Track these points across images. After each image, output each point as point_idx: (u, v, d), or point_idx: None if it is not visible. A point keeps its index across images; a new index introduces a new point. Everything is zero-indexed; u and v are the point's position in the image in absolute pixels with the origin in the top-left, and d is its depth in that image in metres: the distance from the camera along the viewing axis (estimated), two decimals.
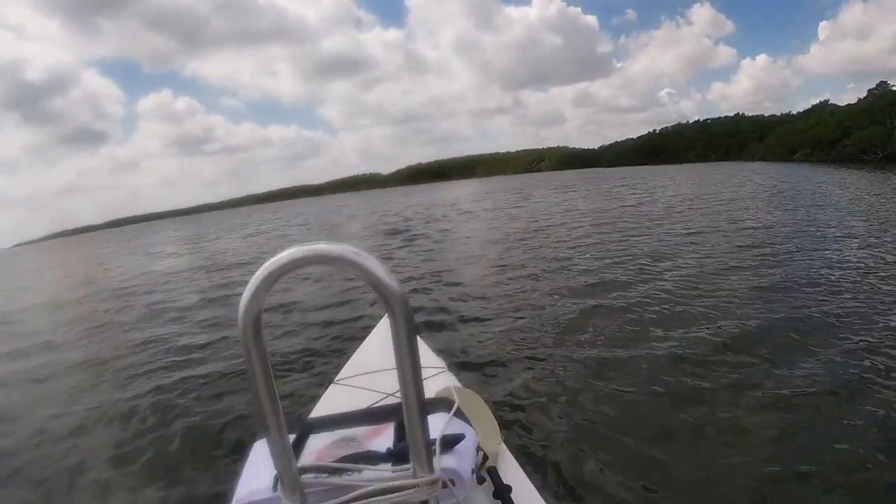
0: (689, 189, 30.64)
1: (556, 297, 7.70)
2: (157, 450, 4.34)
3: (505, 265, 10.80)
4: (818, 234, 11.27)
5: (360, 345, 3.48)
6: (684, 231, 12.93)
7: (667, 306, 6.63)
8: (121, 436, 4.74)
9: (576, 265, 9.95)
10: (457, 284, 9.45)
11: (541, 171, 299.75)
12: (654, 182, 41.25)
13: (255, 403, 1.05)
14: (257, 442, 1.48)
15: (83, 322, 10.50)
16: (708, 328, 5.68)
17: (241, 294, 0.99)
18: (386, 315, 2.44)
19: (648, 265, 9.33)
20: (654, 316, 6.30)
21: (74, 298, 14.17)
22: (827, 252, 9.19)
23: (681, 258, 9.61)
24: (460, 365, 4.96)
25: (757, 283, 7.34)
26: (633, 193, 29.48)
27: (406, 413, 1.08)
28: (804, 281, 7.34)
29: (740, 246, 10.29)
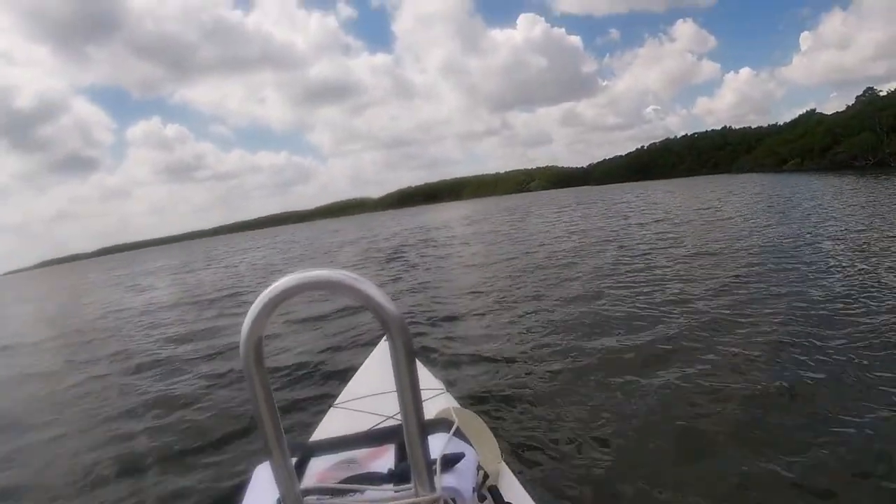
0: (688, 203, 30.36)
1: (556, 316, 7.51)
2: (152, 476, 4.24)
3: (504, 288, 10.39)
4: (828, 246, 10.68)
5: (358, 368, 3.47)
6: (690, 251, 12.02)
7: (677, 327, 6.35)
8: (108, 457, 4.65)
9: (579, 286, 9.55)
10: (454, 307, 9.26)
11: (531, 191, 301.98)
12: (650, 198, 40.85)
13: (257, 427, 1.03)
14: (259, 466, 1.46)
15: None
16: (720, 354, 5.32)
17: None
18: (384, 339, 3.20)
19: (655, 283, 8.95)
20: (665, 339, 5.96)
21: (33, 341, 12.88)
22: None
23: (687, 279, 9.03)
24: (459, 386, 4.96)
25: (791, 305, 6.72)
26: (632, 211, 29.06)
27: (406, 433, 1.07)
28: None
29: (747, 264, 9.73)
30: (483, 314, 8.25)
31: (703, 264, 10.09)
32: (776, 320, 6.06)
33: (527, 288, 9.91)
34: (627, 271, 10.25)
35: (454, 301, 9.71)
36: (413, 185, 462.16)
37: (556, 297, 8.67)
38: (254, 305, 0.97)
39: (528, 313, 7.88)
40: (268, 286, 0.96)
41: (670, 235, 15.22)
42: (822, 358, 4.83)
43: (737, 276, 8.65)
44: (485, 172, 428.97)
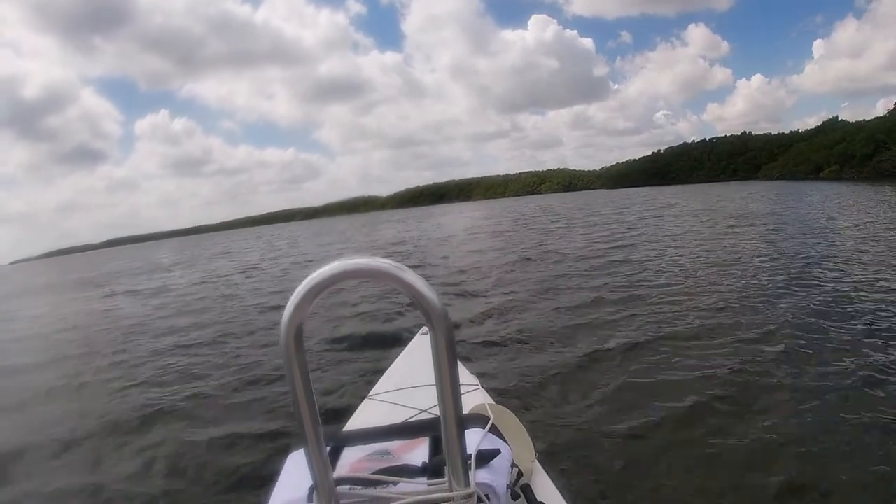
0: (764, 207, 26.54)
1: (600, 318, 7.21)
2: (186, 464, 4.24)
3: (542, 286, 10.14)
4: None
5: (393, 361, 3.40)
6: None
7: (731, 330, 6.17)
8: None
9: (633, 290, 8.87)
10: (491, 302, 8.96)
11: (541, 193, 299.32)
12: (697, 204, 36.49)
13: (294, 414, 1.04)
14: (292, 453, 1.48)
15: None
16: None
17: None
18: (420, 332, 3.52)
19: (713, 287, 8.55)
20: (712, 340, 5.84)
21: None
22: None
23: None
24: (495, 382, 4.90)
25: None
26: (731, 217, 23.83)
27: (444, 427, 1.07)
28: None
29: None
30: (527, 317, 7.81)
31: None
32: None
33: (585, 294, 8.96)
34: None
35: (494, 297, 9.45)
36: (421, 184, 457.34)
37: (616, 301, 8.12)
38: (296, 292, 0.96)
39: (581, 316, 7.45)
40: (311, 273, 0.95)
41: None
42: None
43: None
44: (493, 174, 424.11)
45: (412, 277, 0.96)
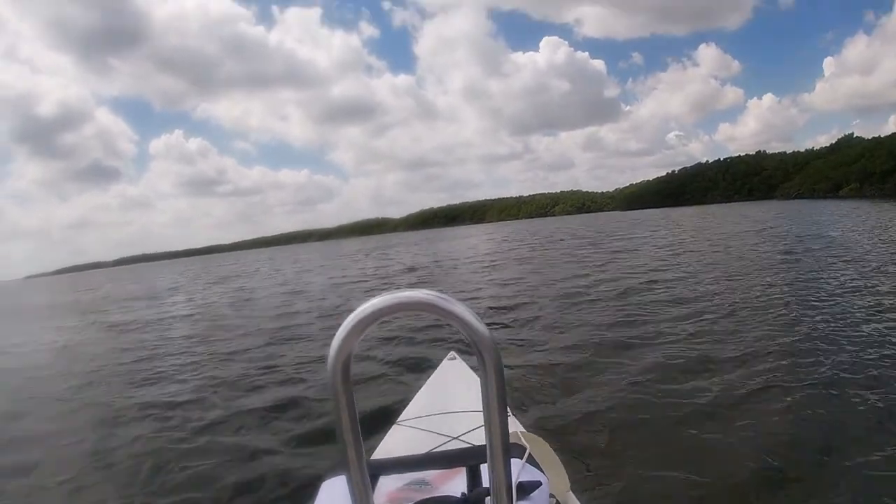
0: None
1: (632, 337, 7.23)
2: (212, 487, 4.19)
3: (571, 302, 10.28)
4: None
5: (421, 386, 3.37)
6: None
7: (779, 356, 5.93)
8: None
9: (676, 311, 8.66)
10: (520, 324, 8.97)
11: (555, 215, 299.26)
12: (731, 226, 36.39)
13: (338, 442, 1.04)
14: (326, 480, 1.50)
15: None
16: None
17: None
18: (447, 357, 3.60)
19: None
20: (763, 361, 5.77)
21: None
22: None
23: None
24: (524, 409, 4.92)
25: None
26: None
27: (490, 458, 1.04)
28: None
29: None
30: (555, 339, 7.70)
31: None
32: None
33: (615, 312, 8.94)
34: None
35: (526, 321, 9.13)
36: (434, 206, 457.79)
37: (656, 327, 7.69)
38: (345, 323, 0.96)
39: (615, 334, 7.52)
40: (360, 305, 0.96)
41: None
42: None
43: None
44: (505, 195, 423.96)
45: (460, 309, 0.96)
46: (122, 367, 8.75)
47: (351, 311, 0.96)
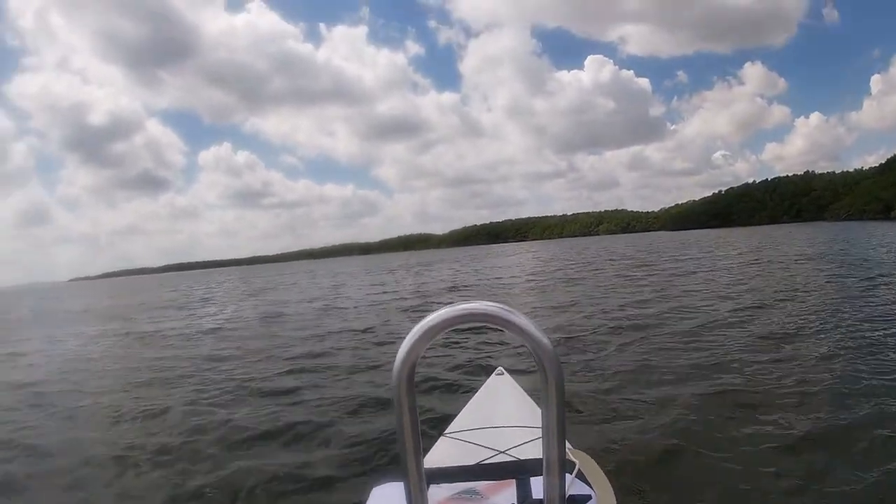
0: None
1: (695, 366, 6.77)
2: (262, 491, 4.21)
3: (630, 325, 9.66)
4: None
5: (469, 400, 3.34)
6: None
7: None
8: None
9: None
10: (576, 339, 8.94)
11: (599, 234, 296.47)
12: (797, 248, 34.13)
13: (399, 451, 1.07)
14: (376, 487, 1.55)
15: None
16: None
17: None
18: (495, 372, 3.56)
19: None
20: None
21: None
22: None
23: None
24: (574, 427, 4.73)
25: None
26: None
27: (546, 469, 1.07)
28: None
29: None
30: (609, 355, 7.71)
31: None
32: None
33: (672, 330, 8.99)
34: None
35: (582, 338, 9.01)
36: (477, 223, 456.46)
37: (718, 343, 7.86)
38: (412, 333, 1.00)
39: (671, 351, 7.56)
40: (427, 316, 0.99)
41: None
42: None
43: None
44: (550, 214, 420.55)
45: (523, 321, 0.98)
46: (117, 388, 7.98)
47: (417, 320, 1.00)
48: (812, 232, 58.96)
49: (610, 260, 33.40)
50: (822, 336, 7.88)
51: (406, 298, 18.57)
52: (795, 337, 7.93)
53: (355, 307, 16.91)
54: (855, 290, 12.12)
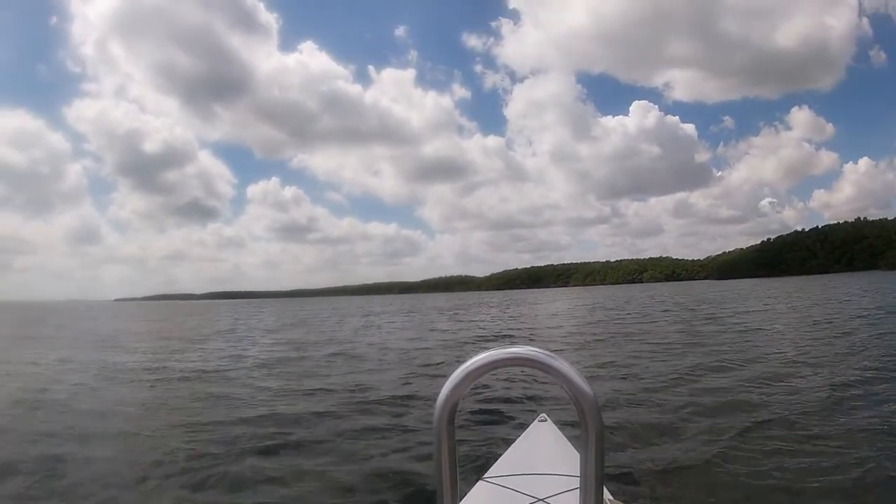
0: None
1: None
2: None
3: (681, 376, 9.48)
4: None
5: (510, 445, 3.28)
6: None
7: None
8: None
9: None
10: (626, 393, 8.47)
11: (643, 282, 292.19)
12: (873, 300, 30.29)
13: (436, 489, 1.08)
14: None
15: None
16: None
17: None
18: (537, 418, 3.44)
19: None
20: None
21: None
22: None
23: None
24: (615, 479, 4.78)
25: None
26: None
27: None
28: None
29: None
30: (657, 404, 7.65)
31: None
32: None
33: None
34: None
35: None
36: (519, 267, 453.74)
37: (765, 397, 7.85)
38: (455, 374, 1.03)
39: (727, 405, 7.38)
40: (471, 357, 1.02)
41: None
42: None
43: None
44: (593, 260, 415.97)
45: (566, 367, 0.99)
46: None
47: (462, 361, 1.02)
48: (874, 280, 57.93)
49: (664, 311, 30.43)
50: None
51: (434, 350, 16.65)
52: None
53: (378, 358, 14.92)
54: None
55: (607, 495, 2.31)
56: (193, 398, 9.35)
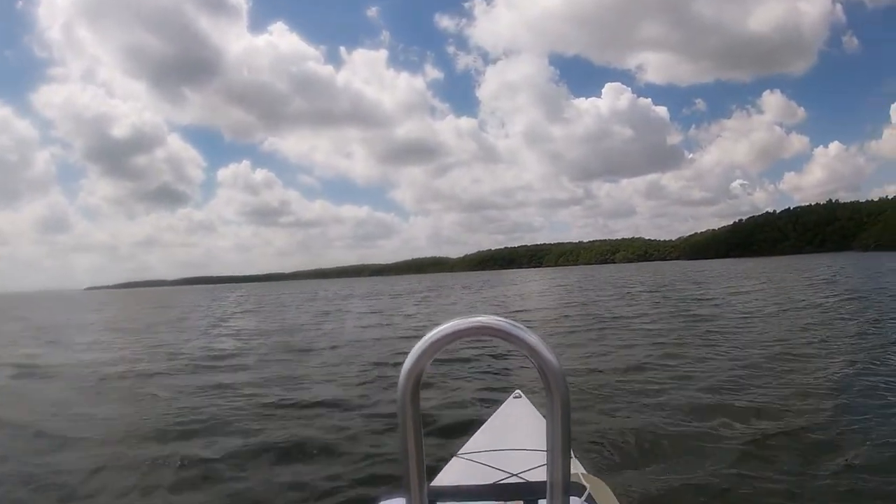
0: None
1: (709, 384, 6.99)
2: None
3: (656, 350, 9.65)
4: None
5: (484, 421, 3.29)
6: None
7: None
8: None
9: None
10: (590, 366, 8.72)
11: (615, 262, 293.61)
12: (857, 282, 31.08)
13: (401, 464, 1.07)
14: (383, 501, 1.57)
15: None
16: None
17: None
18: (512, 395, 3.52)
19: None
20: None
21: None
22: None
23: None
24: (589, 454, 4.76)
25: None
26: None
27: (549, 492, 1.06)
28: None
29: None
30: (630, 381, 7.49)
31: None
32: None
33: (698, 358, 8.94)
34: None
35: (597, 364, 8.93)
36: (492, 248, 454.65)
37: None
38: (418, 345, 1.00)
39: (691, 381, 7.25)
40: (434, 328, 0.99)
41: None
42: None
43: None
44: (566, 241, 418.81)
45: (531, 337, 0.97)
46: None
47: (424, 333, 0.99)
48: (847, 261, 59.30)
49: (650, 291, 29.29)
50: None
51: (404, 339, 15.07)
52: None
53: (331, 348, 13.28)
54: None
55: (581, 470, 2.27)
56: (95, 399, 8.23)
